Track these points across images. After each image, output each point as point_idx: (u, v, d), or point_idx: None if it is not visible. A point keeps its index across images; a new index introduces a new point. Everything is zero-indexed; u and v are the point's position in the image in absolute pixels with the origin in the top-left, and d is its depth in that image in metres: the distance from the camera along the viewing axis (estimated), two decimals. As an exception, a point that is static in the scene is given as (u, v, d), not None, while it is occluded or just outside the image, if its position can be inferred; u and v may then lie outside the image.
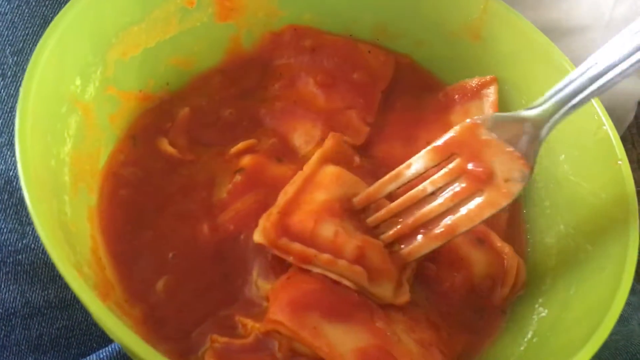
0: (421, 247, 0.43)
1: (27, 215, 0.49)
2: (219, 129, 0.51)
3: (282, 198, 0.44)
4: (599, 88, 0.42)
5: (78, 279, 0.33)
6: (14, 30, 0.51)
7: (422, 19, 0.56)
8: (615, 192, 0.46)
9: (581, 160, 0.49)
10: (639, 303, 0.60)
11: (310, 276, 0.41)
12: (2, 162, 0.49)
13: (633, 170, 0.47)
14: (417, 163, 0.44)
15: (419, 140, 0.52)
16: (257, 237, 0.41)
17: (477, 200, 0.42)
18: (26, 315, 0.48)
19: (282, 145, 0.50)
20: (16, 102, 0.48)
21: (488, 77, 0.54)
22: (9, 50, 0.51)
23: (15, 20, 0.51)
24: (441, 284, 0.46)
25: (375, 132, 0.53)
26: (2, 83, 0.51)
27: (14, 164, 0.49)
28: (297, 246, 0.41)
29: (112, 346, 0.47)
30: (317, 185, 0.45)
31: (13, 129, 0.49)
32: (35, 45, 0.40)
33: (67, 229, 0.38)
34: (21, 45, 0.51)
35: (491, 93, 0.53)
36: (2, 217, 0.48)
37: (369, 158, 0.52)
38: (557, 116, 0.43)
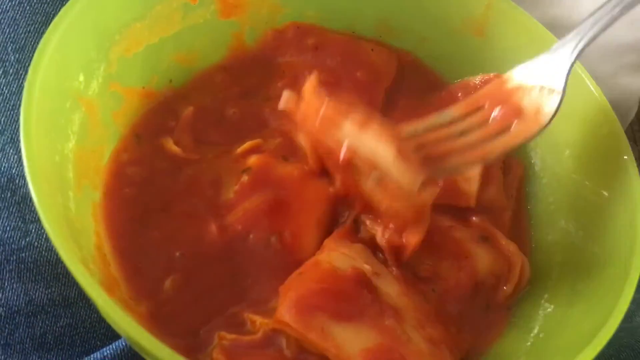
0: (451, 163, 0.43)
1: (30, 213, 0.49)
2: (223, 128, 0.51)
3: None
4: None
5: (85, 274, 0.33)
6: (16, 28, 0.51)
7: (426, 15, 0.56)
8: (621, 188, 0.46)
9: (586, 156, 0.49)
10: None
11: (321, 273, 0.41)
12: (5, 160, 0.49)
13: (635, 166, 0.47)
14: (443, 115, 0.44)
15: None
16: None
17: (507, 131, 0.42)
18: (30, 314, 0.47)
19: (288, 144, 0.50)
20: (18, 99, 0.48)
21: (492, 74, 0.54)
22: (10, 47, 0.51)
23: (17, 17, 0.51)
24: (447, 281, 0.45)
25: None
26: (4, 80, 0.51)
27: (17, 161, 0.49)
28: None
29: (117, 343, 0.47)
30: None
31: (15, 127, 0.50)
32: (37, 42, 0.40)
33: (72, 225, 0.38)
34: (23, 42, 0.51)
35: (495, 90, 0.53)
36: (5, 215, 0.48)
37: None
38: (583, 39, 0.43)
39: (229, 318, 0.41)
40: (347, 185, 0.45)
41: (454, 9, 0.55)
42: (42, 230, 0.48)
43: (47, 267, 0.48)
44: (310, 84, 0.45)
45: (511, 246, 0.47)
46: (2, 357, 0.47)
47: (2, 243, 0.47)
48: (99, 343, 0.49)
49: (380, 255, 0.45)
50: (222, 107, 0.52)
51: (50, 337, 0.48)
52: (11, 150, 0.49)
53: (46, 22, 0.42)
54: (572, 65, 0.44)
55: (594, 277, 0.44)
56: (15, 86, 0.50)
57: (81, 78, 0.43)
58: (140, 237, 0.44)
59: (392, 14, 0.57)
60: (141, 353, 0.34)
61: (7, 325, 0.47)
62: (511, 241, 0.47)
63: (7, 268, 0.47)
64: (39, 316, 0.47)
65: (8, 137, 0.49)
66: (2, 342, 0.47)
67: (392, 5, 0.56)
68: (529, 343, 0.43)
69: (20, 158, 0.48)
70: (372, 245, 0.45)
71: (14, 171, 0.49)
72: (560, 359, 0.39)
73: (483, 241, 0.47)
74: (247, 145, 0.48)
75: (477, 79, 0.54)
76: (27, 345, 0.47)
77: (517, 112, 0.43)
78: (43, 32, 0.41)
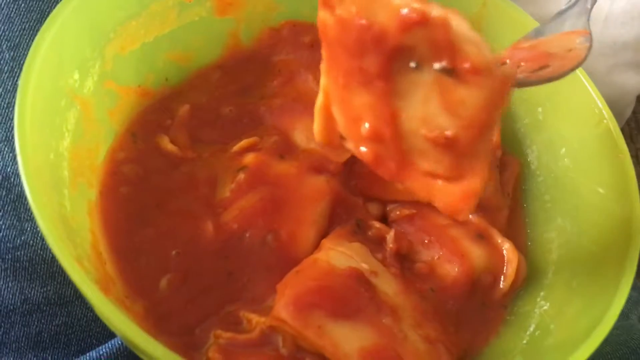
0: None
1: (26, 211, 0.49)
2: (219, 126, 0.51)
3: None
4: None
5: (80, 272, 0.32)
6: (11, 25, 0.51)
7: (422, 12, 0.56)
8: (617, 186, 0.46)
9: (582, 153, 0.49)
10: (639, 298, 0.61)
11: (319, 271, 0.41)
12: (0, 159, 0.49)
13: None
14: None
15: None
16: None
17: (547, 68, 0.40)
18: (25, 312, 0.47)
19: (284, 142, 0.50)
20: (13, 97, 0.48)
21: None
22: (5, 45, 0.51)
23: (12, 15, 0.51)
24: (443, 279, 0.45)
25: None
26: (-1, 78, 0.50)
27: (12, 160, 0.49)
28: None
29: (112, 342, 0.47)
30: None
31: (10, 125, 0.50)
32: (32, 40, 0.40)
33: (67, 223, 0.38)
34: (18, 40, 0.51)
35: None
36: (0, 214, 0.48)
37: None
38: None
39: (225, 316, 0.41)
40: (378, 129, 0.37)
41: (450, 6, 0.55)
42: (38, 229, 0.48)
43: (42, 266, 0.48)
44: None
45: (507, 244, 0.47)
46: (-2, 356, 0.47)
47: (-3, 242, 0.47)
48: (94, 342, 0.48)
49: (379, 254, 0.45)
50: (218, 106, 0.52)
51: (46, 335, 0.48)
52: (6, 149, 0.49)
53: (41, 20, 0.41)
54: (592, 8, 0.44)
55: (590, 275, 0.44)
56: (10, 84, 0.50)
57: (76, 76, 0.43)
58: (136, 235, 0.43)
59: (389, 12, 0.57)
60: (136, 352, 0.34)
61: (2, 324, 0.47)
62: (507, 239, 0.47)
63: (3, 267, 0.47)
64: (34, 315, 0.47)
65: (3, 135, 0.49)
66: (-3, 341, 0.47)
67: (388, 2, 0.56)
68: (525, 341, 0.43)
69: (15, 156, 0.47)
70: (371, 244, 0.45)
71: (9, 169, 0.49)
72: (556, 356, 0.39)
73: (479, 239, 0.47)
74: (243, 143, 0.48)
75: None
76: (22, 344, 0.47)
77: (548, 56, 0.41)
78: (38, 30, 0.41)
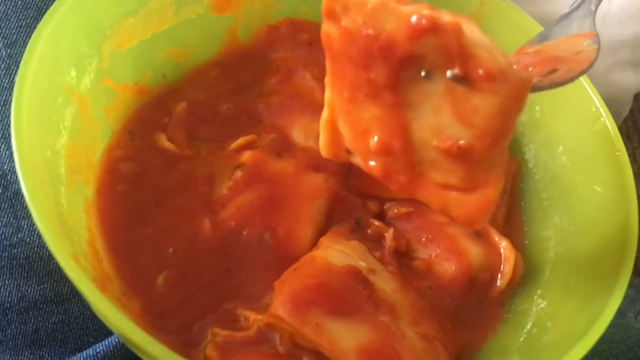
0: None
1: (22, 209, 0.48)
2: (217, 124, 0.51)
3: None
4: None
5: (76, 269, 0.32)
6: (7, 23, 0.51)
7: (420, 10, 0.56)
8: (614, 184, 0.46)
9: (579, 152, 0.49)
10: (635, 296, 0.61)
11: (317, 269, 0.41)
12: (-3, 156, 0.49)
13: (629, 163, 0.47)
14: None
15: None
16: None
17: (555, 72, 0.39)
18: (22, 310, 0.47)
19: (282, 140, 0.50)
20: (10, 95, 0.48)
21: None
22: (2, 42, 0.50)
23: (9, 12, 0.51)
24: (441, 277, 0.45)
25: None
26: (-5, 75, 0.50)
27: (9, 157, 0.49)
28: None
29: (109, 340, 0.47)
30: None
31: (7, 123, 0.49)
32: (29, 37, 0.40)
33: (64, 220, 0.38)
34: (14, 37, 0.51)
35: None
36: (-3, 211, 0.48)
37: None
38: None
39: (223, 314, 0.40)
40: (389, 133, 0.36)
41: (447, 6, 0.54)
42: (35, 227, 0.48)
43: (39, 264, 0.48)
44: None
45: (505, 242, 0.47)
46: (-5, 353, 0.47)
47: (-6, 239, 0.47)
48: (91, 339, 0.48)
49: (377, 252, 0.45)
50: (215, 103, 0.52)
51: (42, 333, 0.47)
52: (3, 146, 0.49)
53: (38, 17, 0.41)
54: (596, 10, 0.44)
55: (587, 273, 0.44)
56: (6, 82, 0.50)
57: (73, 73, 0.43)
58: (133, 233, 0.43)
59: (386, 10, 0.57)
60: (133, 349, 0.34)
61: (-1, 322, 0.47)
62: (505, 237, 0.47)
63: (0, 264, 0.47)
64: (31, 312, 0.47)
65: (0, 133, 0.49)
66: (-6, 339, 0.47)
67: (386, 0, 0.56)
68: (522, 339, 0.43)
69: (11, 154, 0.47)
70: (369, 243, 0.45)
71: (5, 167, 0.48)
72: (553, 354, 0.39)
73: (477, 237, 0.47)
74: (241, 141, 0.48)
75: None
76: (19, 342, 0.47)
77: (555, 60, 0.40)
78: (35, 27, 0.41)
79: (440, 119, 0.34)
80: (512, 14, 0.53)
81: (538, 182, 0.52)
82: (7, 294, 0.47)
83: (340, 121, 0.38)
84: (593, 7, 0.45)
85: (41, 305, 0.48)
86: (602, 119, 0.48)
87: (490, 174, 0.35)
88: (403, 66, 0.34)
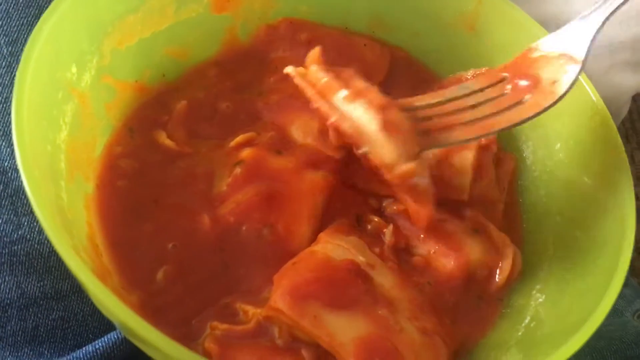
0: (452, 135, 0.42)
1: (23, 206, 0.49)
2: (216, 122, 0.51)
3: None
4: None
5: (77, 261, 0.32)
6: (9, 20, 0.51)
7: (418, 10, 0.56)
8: (612, 182, 0.46)
9: (576, 148, 0.49)
10: (632, 296, 0.61)
11: (316, 263, 0.41)
12: (-3, 153, 0.49)
13: (627, 164, 0.47)
14: (462, 88, 0.44)
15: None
16: None
17: (521, 104, 0.42)
18: (22, 306, 0.47)
19: (281, 137, 0.50)
20: (10, 92, 0.48)
21: (483, 69, 0.54)
22: (3, 40, 0.51)
23: (10, 10, 0.51)
24: (439, 273, 0.46)
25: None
26: (-4, 73, 0.51)
27: (9, 154, 0.49)
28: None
29: (109, 337, 0.47)
30: None
31: (8, 120, 0.50)
32: (30, 35, 0.40)
33: (64, 215, 0.38)
34: (16, 35, 0.51)
35: (486, 84, 0.53)
36: (-3, 208, 0.48)
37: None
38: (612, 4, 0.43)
39: (221, 308, 0.41)
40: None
41: (445, 4, 0.55)
42: (35, 223, 0.48)
43: (39, 260, 0.48)
44: (314, 53, 0.46)
45: (503, 237, 0.47)
46: (-5, 350, 0.47)
47: (-6, 236, 0.47)
48: (91, 336, 0.49)
49: (376, 248, 0.45)
50: (215, 101, 0.52)
51: (42, 330, 0.48)
52: (3, 143, 0.49)
53: (39, 15, 0.42)
54: (597, 32, 0.44)
55: (584, 269, 0.44)
56: (7, 79, 0.50)
57: (73, 69, 0.43)
58: (133, 228, 0.43)
59: (385, 10, 0.57)
60: (133, 340, 0.34)
61: (-1, 318, 0.47)
62: (503, 233, 0.48)
63: (0, 261, 0.47)
64: (31, 309, 0.47)
65: (0, 130, 0.49)
66: (-6, 335, 0.47)
67: (384, 0, 0.57)
68: (520, 333, 0.44)
69: (12, 151, 0.48)
70: (368, 238, 0.46)
71: (6, 164, 0.49)
72: (548, 347, 0.39)
73: (475, 233, 0.47)
74: (240, 138, 0.48)
75: (469, 74, 0.54)
76: (19, 338, 0.47)
77: (534, 84, 0.43)
78: (36, 25, 0.41)
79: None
80: (509, 13, 0.54)
81: (536, 179, 0.52)
82: (7, 290, 0.47)
83: None
84: (600, 21, 0.44)
85: (41, 302, 0.48)
86: (600, 116, 0.48)
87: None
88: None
